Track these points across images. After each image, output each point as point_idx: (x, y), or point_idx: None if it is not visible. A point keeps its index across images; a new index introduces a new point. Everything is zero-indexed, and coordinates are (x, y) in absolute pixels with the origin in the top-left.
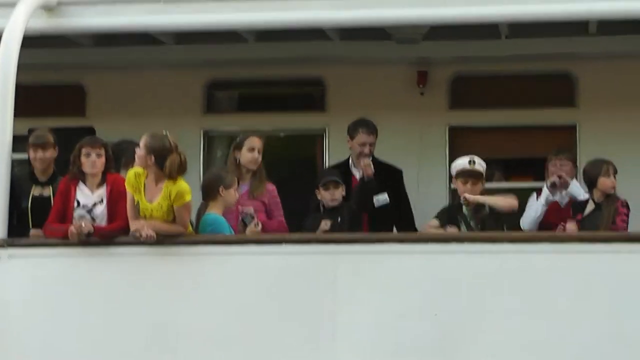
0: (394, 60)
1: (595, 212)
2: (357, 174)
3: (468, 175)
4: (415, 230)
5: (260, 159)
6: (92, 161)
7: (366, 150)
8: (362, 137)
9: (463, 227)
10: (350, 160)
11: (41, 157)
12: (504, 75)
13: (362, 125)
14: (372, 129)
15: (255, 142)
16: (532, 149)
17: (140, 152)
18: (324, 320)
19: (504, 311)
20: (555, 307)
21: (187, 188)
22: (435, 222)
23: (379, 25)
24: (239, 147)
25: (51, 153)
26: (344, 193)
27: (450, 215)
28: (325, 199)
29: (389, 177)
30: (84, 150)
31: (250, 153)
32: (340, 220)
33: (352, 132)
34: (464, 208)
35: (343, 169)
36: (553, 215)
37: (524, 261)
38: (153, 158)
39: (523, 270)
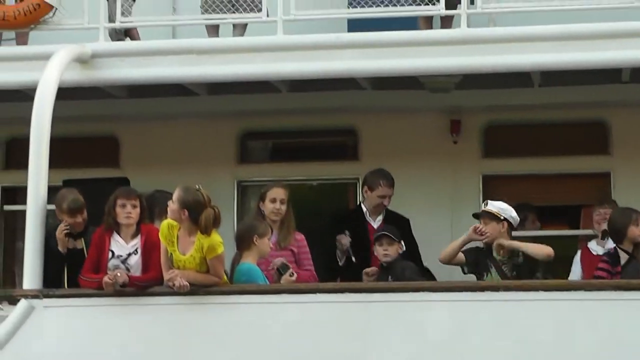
0: (426, 109)
1: (632, 262)
2: (372, 222)
3: (478, 216)
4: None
5: (283, 209)
6: (128, 212)
7: (385, 202)
8: (383, 190)
9: (493, 272)
10: (364, 208)
11: (79, 222)
12: (538, 124)
13: (382, 178)
14: (391, 182)
15: (277, 193)
16: (566, 197)
17: (173, 206)
18: None
19: None
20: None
21: (219, 240)
22: (461, 256)
23: (412, 75)
24: (262, 198)
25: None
26: (400, 250)
27: (479, 258)
28: (379, 253)
29: (398, 225)
30: (119, 202)
31: (272, 204)
32: (391, 279)
33: (371, 183)
34: (494, 252)
35: (356, 216)
36: (588, 265)
37: (558, 310)
38: (187, 212)
39: (559, 320)
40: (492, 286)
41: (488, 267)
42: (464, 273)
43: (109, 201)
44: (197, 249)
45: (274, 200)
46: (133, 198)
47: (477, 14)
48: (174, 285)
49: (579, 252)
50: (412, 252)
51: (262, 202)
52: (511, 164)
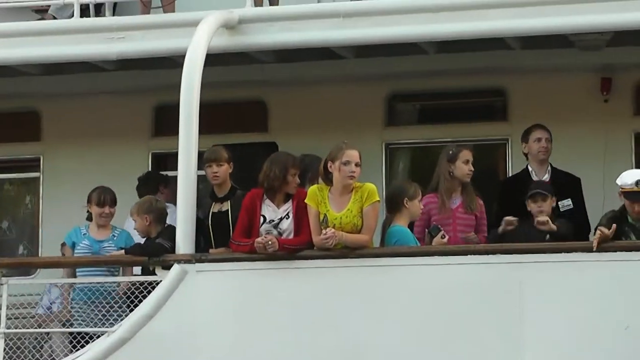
0: (576, 67)
1: None
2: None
3: (636, 198)
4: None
5: None
6: (297, 181)
7: (542, 144)
8: (536, 133)
9: (633, 238)
10: (529, 168)
11: (215, 172)
12: None
13: (534, 126)
14: (543, 127)
15: (470, 154)
16: None
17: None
18: (510, 333)
19: None
20: None
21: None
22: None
23: (561, 33)
24: (452, 159)
25: (225, 168)
26: (553, 204)
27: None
28: (533, 210)
29: (569, 184)
30: (292, 171)
31: (466, 165)
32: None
33: (524, 136)
34: (629, 218)
35: (524, 178)
36: None
37: None
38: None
39: None
40: None
41: (627, 233)
42: None
43: (279, 167)
44: (354, 201)
45: (467, 162)
46: (299, 167)
47: None
48: (327, 241)
49: None
50: (579, 211)
51: (452, 163)
52: None
